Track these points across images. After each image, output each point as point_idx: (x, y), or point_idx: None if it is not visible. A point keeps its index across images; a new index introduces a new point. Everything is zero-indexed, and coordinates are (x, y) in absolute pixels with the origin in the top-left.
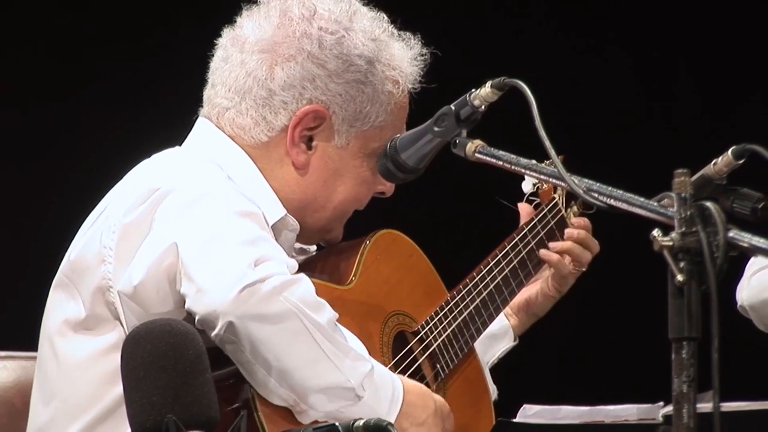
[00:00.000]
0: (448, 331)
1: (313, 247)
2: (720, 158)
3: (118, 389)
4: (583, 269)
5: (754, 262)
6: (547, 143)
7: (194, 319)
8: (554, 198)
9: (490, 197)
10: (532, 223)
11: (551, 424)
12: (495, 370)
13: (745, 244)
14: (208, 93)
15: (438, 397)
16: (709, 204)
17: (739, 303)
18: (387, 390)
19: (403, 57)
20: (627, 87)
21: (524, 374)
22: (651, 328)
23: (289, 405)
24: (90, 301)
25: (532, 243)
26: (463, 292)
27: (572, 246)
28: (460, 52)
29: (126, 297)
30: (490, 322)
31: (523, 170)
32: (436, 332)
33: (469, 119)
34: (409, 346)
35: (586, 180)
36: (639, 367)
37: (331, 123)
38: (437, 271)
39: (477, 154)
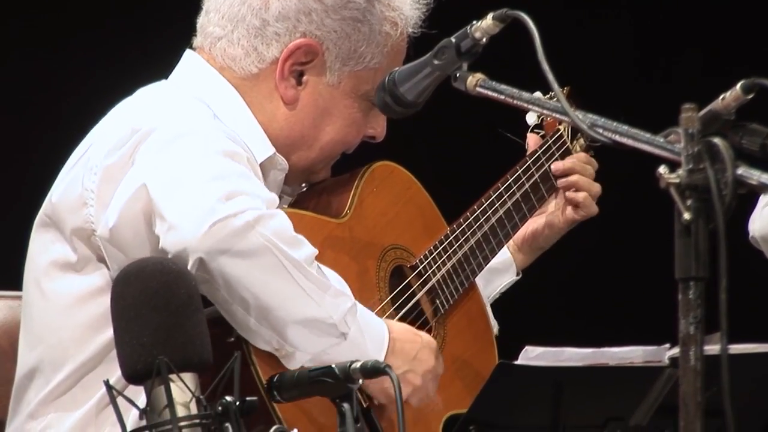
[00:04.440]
0: (448, 265)
1: None
2: (728, 93)
3: (105, 335)
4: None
5: None
6: (550, 76)
7: None
8: (559, 129)
9: (492, 128)
10: (535, 155)
11: (554, 367)
12: (496, 309)
13: (754, 182)
14: (201, 21)
15: (423, 333)
16: (717, 140)
17: (750, 234)
18: (373, 328)
19: None
20: (628, 32)
21: (527, 315)
22: (657, 268)
23: (273, 348)
24: (75, 243)
25: (536, 175)
26: (464, 225)
27: (578, 179)
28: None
29: (105, 241)
30: (492, 257)
31: (526, 105)
32: (435, 266)
33: (470, 52)
34: (407, 281)
35: (590, 115)
36: (645, 308)
37: (324, 59)
38: (437, 205)
39: (478, 88)
